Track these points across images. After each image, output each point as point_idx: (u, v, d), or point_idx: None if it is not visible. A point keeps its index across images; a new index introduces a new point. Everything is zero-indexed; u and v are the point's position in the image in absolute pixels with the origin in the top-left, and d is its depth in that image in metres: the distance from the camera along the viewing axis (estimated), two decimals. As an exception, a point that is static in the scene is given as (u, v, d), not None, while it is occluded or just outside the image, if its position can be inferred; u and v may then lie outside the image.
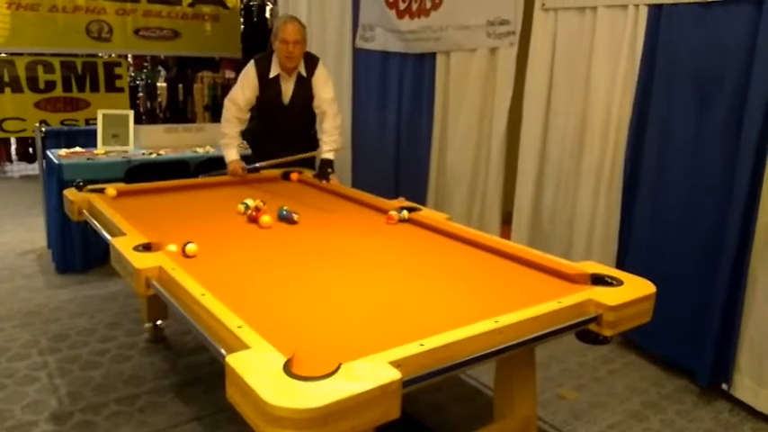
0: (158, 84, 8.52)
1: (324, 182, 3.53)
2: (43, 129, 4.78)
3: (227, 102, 3.81)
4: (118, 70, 7.42)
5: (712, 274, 2.85)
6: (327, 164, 3.64)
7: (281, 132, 3.84)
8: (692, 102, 2.92)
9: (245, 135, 3.96)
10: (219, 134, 3.84)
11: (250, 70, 3.75)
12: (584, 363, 3.21)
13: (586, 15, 3.37)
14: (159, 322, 3.31)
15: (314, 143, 3.91)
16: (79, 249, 4.27)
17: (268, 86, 3.73)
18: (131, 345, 3.26)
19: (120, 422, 2.59)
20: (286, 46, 3.57)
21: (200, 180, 3.60)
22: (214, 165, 4.14)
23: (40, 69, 6.93)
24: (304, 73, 3.75)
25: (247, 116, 3.82)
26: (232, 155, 3.72)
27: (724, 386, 2.88)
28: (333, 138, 3.71)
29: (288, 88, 3.76)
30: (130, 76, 7.86)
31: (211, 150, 4.50)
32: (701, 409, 2.83)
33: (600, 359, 3.25)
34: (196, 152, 4.52)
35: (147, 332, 3.31)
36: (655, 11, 3.02)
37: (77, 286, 4.06)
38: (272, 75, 3.71)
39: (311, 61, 3.80)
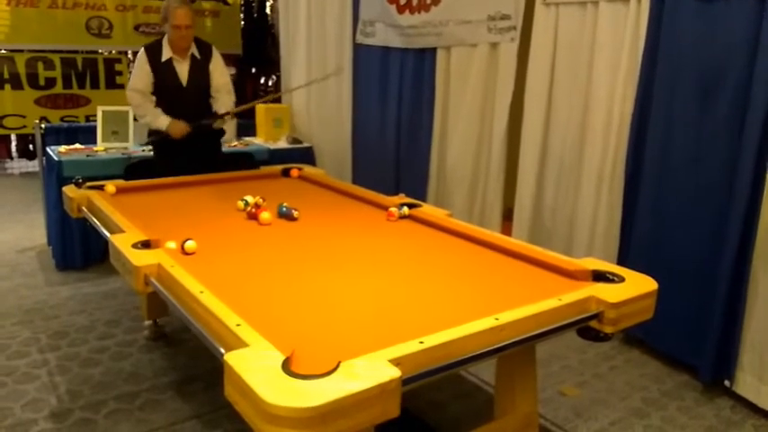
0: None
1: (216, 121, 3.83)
2: (43, 125, 4.77)
3: (128, 93, 3.86)
4: (118, 66, 7.41)
5: (714, 270, 2.83)
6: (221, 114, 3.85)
7: (190, 112, 3.80)
8: (695, 97, 2.90)
9: (148, 135, 3.99)
10: (142, 121, 3.94)
11: (141, 56, 3.80)
12: (584, 359, 3.20)
13: (588, 10, 3.35)
14: (159, 320, 3.30)
15: (218, 131, 4.07)
16: (79, 246, 4.26)
17: (162, 70, 3.77)
18: (131, 342, 3.26)
19: (119, 420, 2.58)
20: (179, 30, 3.63)
21: (200, 177, 3.55)
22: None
23: (40, 66, 6.92)
24: (198, 54, 3.80)
25: (153, 99, 3.85)
26: (165, 119, 3.76)
27: (726, 383, 2.86)
28: (227, 107, 3.89)
29: (183, 70, 3.79)
30: (130, 72, 7.84)
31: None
32: (703, 406, 2.82)
33: (601, 356, 3.24)
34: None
35: (146, 329, 3.31)
36: (657, 5, 3.00)
37: (77, 283, 4.05)
38: (164, 58, 3.75)
39: (203, 45, 3.87)
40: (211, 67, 3.86)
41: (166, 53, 3.74)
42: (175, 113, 3.80)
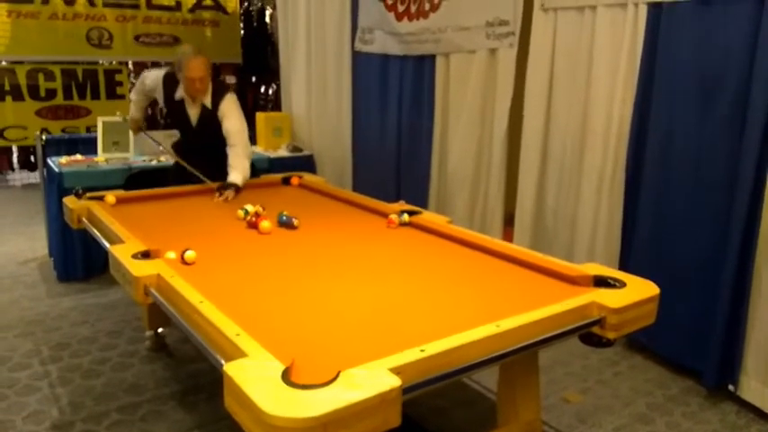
0: (159, 90, 8.53)
1: (217, 195, 3.39)
2: (44, 137, 4.78)
3: (142, 76, 3.95)
4: (118, 77, 7.43)
5: (717, 273, 2.82)
6: (231, 185, 3.46)
7: (199, 148, 3.78)
8: (694, 99, 2.89)
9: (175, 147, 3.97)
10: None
11: (159, 77, 3.75)
12: (588, 365, 3.19)
13: (586, 15, 3.35)
14: (160, 330, 3.29)
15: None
16: (80, 257, 4.26)
17: (174, 106, 3.75)
18: (132, 353, 3.25)
19: (121, 431, 2.57)
20: (192, 82, 3.56)
21: (199, 186, 3.54)
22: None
23: (40, 77, 6.94)
24: (209, 105, 3.67)
25: (149, 96, 3.96)
26: (133, 113, 4.04)
27: (731, 387, 2.85)
28: (238, 170, 3.55)
29: (193, 114, 3.73)
30: (131, 83, 7.87)
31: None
32: (708, 411, 2.80)
33: (604, 362, 3.23)
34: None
35: (148, 340, 3.29)
36: (654, 9, 3.00)
37: (79, 295, 4.05)
38: (177, 97, 3.70)
39: (219, 93, 3.70)
40: (219, 113, 3.68)
41: (180, 93, 3.69)
42: (189, 144, 3.83)
